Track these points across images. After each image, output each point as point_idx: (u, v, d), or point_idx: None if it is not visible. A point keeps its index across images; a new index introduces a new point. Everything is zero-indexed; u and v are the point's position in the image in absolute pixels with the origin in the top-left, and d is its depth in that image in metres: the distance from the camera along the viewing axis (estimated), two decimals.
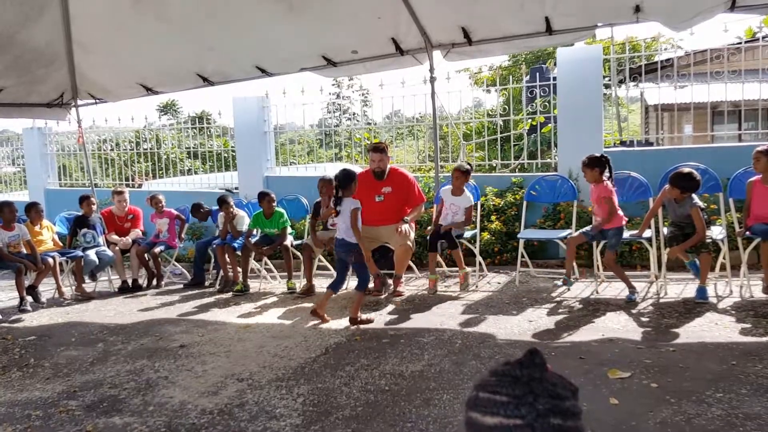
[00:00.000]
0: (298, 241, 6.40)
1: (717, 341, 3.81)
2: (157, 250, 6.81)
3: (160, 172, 10.74)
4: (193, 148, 10.52)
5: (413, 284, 5.98)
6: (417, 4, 5.80)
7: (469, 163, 6.32)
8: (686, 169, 4.76)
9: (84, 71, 7.06)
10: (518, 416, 0.89)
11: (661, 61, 10.31)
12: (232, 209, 6.46)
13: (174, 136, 11.78)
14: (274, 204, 6.36)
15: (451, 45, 6.25)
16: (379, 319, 4.87)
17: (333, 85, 28.52)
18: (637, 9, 5.41)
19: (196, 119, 12.83)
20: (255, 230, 6.49)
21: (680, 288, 5.06)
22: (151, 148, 11.02)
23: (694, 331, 4.03)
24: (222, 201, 6.45)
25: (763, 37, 7.72)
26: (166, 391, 3.58)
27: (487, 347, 3.98)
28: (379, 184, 5.66)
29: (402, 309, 5.12)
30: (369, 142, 10.07)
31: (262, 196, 6.32)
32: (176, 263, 7.31)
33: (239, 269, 6.36)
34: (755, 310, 4.36)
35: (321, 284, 6.24)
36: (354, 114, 22.98)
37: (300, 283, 6.10)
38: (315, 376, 3.69)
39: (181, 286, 6.81)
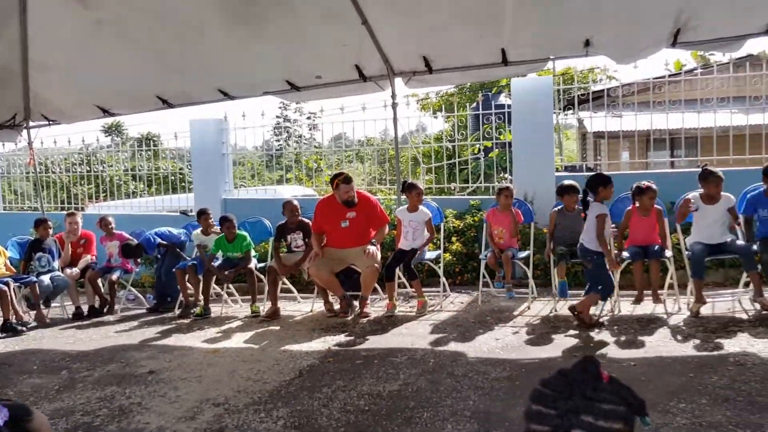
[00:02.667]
0: (262, 264, 6.39)
1: (673, 355, 4.08)
2: (114, 276, 6.64)
3: (104, 194, 10.44)
4: (139, 170, 10.30)
5: (379, 305, 6.07)
6: (380, 33, 5.98)
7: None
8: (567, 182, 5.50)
9: (39, 91, 6.85)
10: (553, 409, 1.01)
11: (600, 91, 10.93)
12: (234, 229, 6.37)
13: (119, 158, 11.49)
14: (235, 228, 6.33)
15: (413, 73, 6.45)
16: (350, 340, 4.93)
17: (279, 107, 28.52)
18: (587, 43, 5.77)
19: (143, 141, 12.57)
20: (217, 254, 6.43)
21: (632, 305, 5.35)
22: (94, 171, 10.68)
23: (651, 346, 4.29)
24: (225, 219, 6.36)
25: (689, 71, 8.35)
26: (141, 417, 3.53)
27: (459, 365, 4.11)
28: (344, 210, 5.75)
29: (371, 330, 5.20)
30: (315, 165, 10.20)
31: (224, 221, 6.29)
32: (132, 288, 7.13)
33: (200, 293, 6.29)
34: (704, 325, 4.67)
35: (285, 307, 6.25)
36: (300, 137, 22.96)
37: (264, 307, 6.08)
38: (293, 399, 3.71)
39: (140, 311, 6.66)
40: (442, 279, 5.97)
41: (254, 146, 11.00)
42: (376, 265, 5.57)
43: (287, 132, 17.05)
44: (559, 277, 5.38)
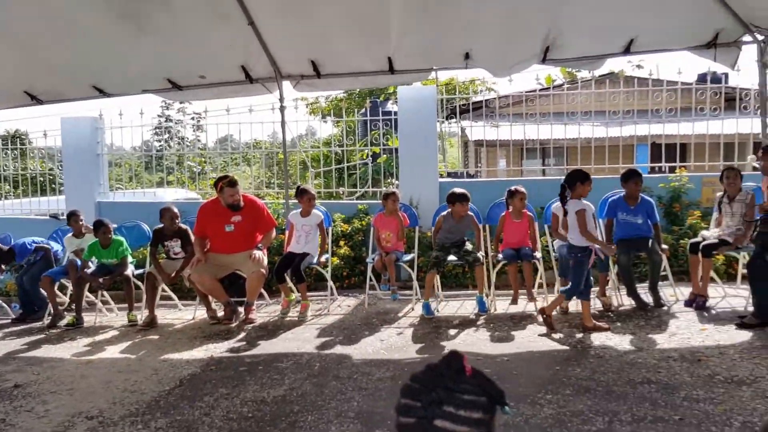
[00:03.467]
0: (140, 271, 6.10)
1: (542, 350, 4.38)
2: None
3: None
4: (5, 170, 9.46)
5: (265, 311, 5.99)
6: (268, 35, 5.95)
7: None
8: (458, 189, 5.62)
9: None
10: (418, 401, 1.09)
11: (480, 101, 11.50)
12: (110, 234, 5.98)
13: None
14: (111, 234, 6.00)
15: (301, 76, 6.47)
16: (234, 347, 4.83)
17: (161, 107, 27.25)
18: (467, 56, 6.10)
19: (8, 139, 11.55)
20: (91, 260, 6.06)
21: (506, 304, 5.67)
22: None
23: (523, 342, 4.58)
24: (100, 224, 5.96)
25: (557, 86, 9.03)
26: None
27: (345, 368, 4.16)
28: (229, 213, 5.62)
29: (256, 336, 5.13)
30: (199, 167, 9.91)
31: (99, 225, 5.94)
32: None
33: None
34: (569, 321, 5.06)
35: (164, 315, 6.01)
36: (183, 138, 22.13)
37: (142, 315, 5.81)
38: (172, 409, 3.59)
39: (4, 321, 6.14)
40: (330, 283, 6.01)
41: (132, 147, 10.47)
42: (262, 270, 5.50)
43: (169, 132, 16.37)
44: (425, 294, 5.47)
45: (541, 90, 8.68)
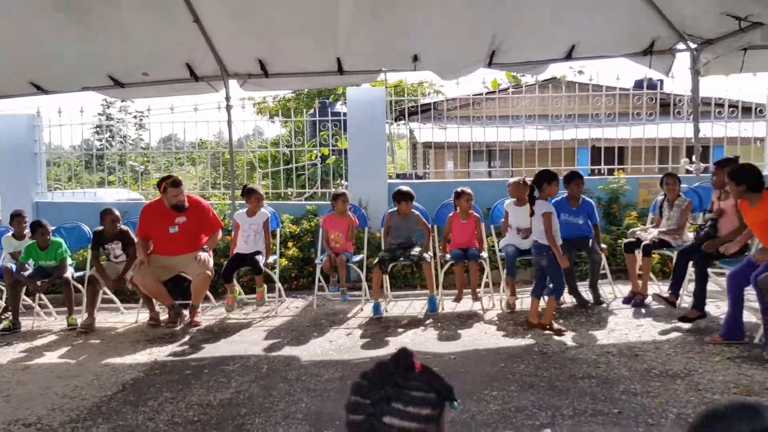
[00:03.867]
0: (80, 273, 5.89)
1: (488, 347, 4.48)
2: None
3: None
4: None
5: (210, 313, 5.89)
6: (214, 33, 5.85)
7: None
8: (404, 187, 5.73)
9: None
10: (367, 398, 1.12)
11: (428, 104, 11.64)
12: (48, 236, 5.74)
13: None
14: (49, 235, 5.78)
15: (248, 75, 6.40)
16: (178, 350, 4.74)
17: (102, 105, 26.34)
18: (416, 58, 6.16)
19: None
20: (28, 263, 5.81)
21: (454, 303, 5.76)
22: None
23: (470, 340, 4.67)
24: (38, 225, 5.72)
25: (503, 90, 9.24)
26: None
27: (293, 369, 4.14)
28: (173, 214, 5.49)
29: (202, 339, 5.04)
30: (142, 167, 9.66)
31: (36, 226, 5.71)
32: None
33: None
34: (514, 319, 5.19)
35: (107, 319, 5.84)
36: (125, 137, 21.54)
37: (82, 318, 5.61)
38: (114, 414, 3.50)
39: None
40: (278, 284, 5.96)
41: (72, 145, 10.10)
42: (207, 272, 5.40)
43: (110, 131, 15.83)
44: (374, 294, 5.52)
45: (487, 93, 8.87)
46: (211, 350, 4.72)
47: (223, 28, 5.83)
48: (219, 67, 6.25)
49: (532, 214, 4.83)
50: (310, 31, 5.82)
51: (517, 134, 7.92)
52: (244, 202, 5.94)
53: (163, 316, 5.58)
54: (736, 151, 7.59)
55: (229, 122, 6.61)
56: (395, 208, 5.76)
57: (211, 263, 5.52)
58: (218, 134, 8.87)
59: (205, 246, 5.55)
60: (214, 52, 6.07)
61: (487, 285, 5.81)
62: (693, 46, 5.97)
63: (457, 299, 5.65)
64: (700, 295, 4.79)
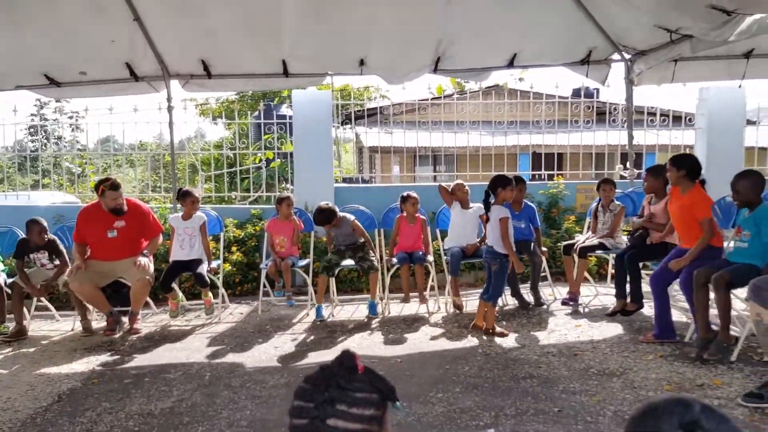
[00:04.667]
0: (12, 279, 5.61)
1: (433, 350, 4.53)
2: None
3: None
4: None
5: (151, 320, 5.72)
6: (155, 32, 5.71)
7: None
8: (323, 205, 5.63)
9: None
10: (311, 401, 1.12)
11: (374, 108, 11.70)
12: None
13: None
14: None
15: (190, 76, 6.27)
16: (118, 358, 4.58)
17: (35, 105, 25.17)
18: (362, 63, 6.19)
19: None
20: None
21: (400, 306, 5.80)
22: None
23: (415, 343, 4.71)
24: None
25: (448, 96, 9.38)
26: None
27: (237, 376, 4.08)
28: (112, 218, 5.32)
29: (142, 346, 4.89)
30: (79, 169, 9.31)
31: None
32: None
33: None
34: (458, 321, 5.27)
35: (41, 327, 5.59)
36: (60, 138, 20.72)
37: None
38: (50, 426, 3.37)
39: None
40: (221, 290, 5.85)
41: (4, 146, 9.61)
42: (147, 277, 5.25)
43: (45, 132, 15.17)
44: (318, 298, 5.51)
45: (432, 99, 8.96)
46: (151, 358, 4.59)
47: (164, 27, 5.69)
48: (160, 67, 6.10)
49: (487, 220, 4.85)
50: (255, 32, 5.75)
51: (462, 139, 8.06)
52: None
53: (102, 324, 5.39)
54: (667, 158, 7.97)
55: (171, 123, 6.45)
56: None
57: (152, 268, 5.36)
58: (159, 136, 8.62)
59: (145, 251, 5.39)
60: (155, 52, 5.93)
61: (432, 288, 5.88)
62: (627, 56, 6.24)
63: (405, 301, 5.69)
64: (636, 290, 5.06)
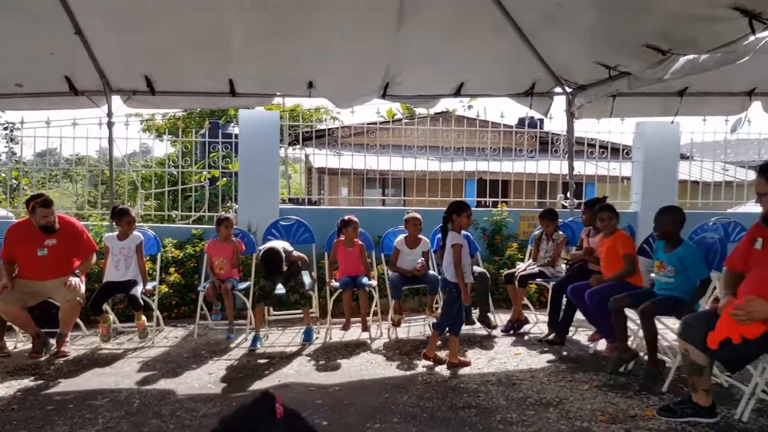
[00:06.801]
0: None
1: (373, 378, 4.48)
2: None
3: None
4: None
5: (80, 343, 5.47)
6: (97, 45, 5.56)
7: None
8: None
9: None
10: None
11: (323, 129, 11.68)
12: None
13: None
14: None
15: (133, 92, 6.12)
16: (41, 383, 4.34)
17: None
18: (311, 85, 6.17)
19: None
20: None
21: (342, 332, 5.73)
22: None
23: (356, 370, 4.65)
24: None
25: (397, 120, 9.46)
26: None
27: (167, 404, 3.92)
28: (42, 236, 5.09)
29: (69, 371, 4.65)
30: (15, 182, 8.89)
31: None
32: None
33: None
34: (400, 348, 5.24)
35: None
36: None
37: None
38: None
39: None
40: (156, 312, 5.65)
41: None
42: (78, 298, 5.03)
43: None
44: (255, 327, 5.37)
45: (382, 123, 9.02)
46: (78, 383, 4.37)
47: (107, 41, 5.53)
48: (102, 81, 5.93)
49: (443, 246, 4.78)
50: (202, 50, 5.66)
51: (410, 164, 8.11)
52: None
53: (27, 345, 5.11)
54: (606, 188, 8.23)
55: (110, 140, 6.26)
56: None
57: (83, 289, 5.14)
58: (100, 150, 8.31)
59: (77, 270, 5.18)
60: (97, 66, 5.76)
61: (375, 313, 5.84)
62: (569, 90, 6.43)
63: (345, 328, 5.63)
64: (565, 323, 5.25)
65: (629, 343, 4.60)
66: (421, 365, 4.72)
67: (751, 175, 7.00)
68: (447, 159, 8.21)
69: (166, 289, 6.22)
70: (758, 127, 37.47)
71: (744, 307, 3.07)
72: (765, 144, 8.83)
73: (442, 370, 4.62)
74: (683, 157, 8.49)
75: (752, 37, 3.79)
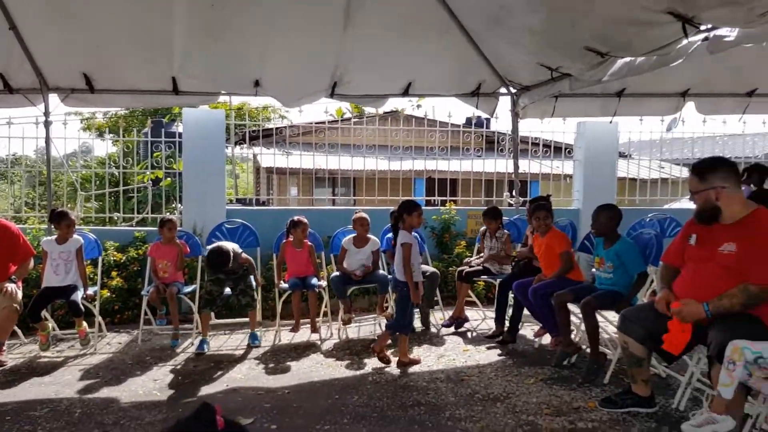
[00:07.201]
0: None
1: (323, 379, 4.46)
2: None
3: None
4: None
5: (18, 351, 5.24)
6: (32, 42, 5.35)
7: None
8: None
9: None
10: None
11: (271, 129, 11.56)
12: None
13: None
14: None
15: (71, 90, 5.91)
16: None
17: None
18: (257, 84, 6.09)
19: None
20: None
21: (291, 333, 5.68)
22: None
23: (305, 372, 4.62)
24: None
25: (345, 119, 9.45)
26: None
27: (110, 413, 3.81)
28: None
29: (6, 381, 4.45)
30: None
31: None
32: None
33: None
34: (351, 348, 5.24)
35: None
36: None
37: None
38: None
39: None
40: (98, 318, 5.47)
41: None
42: (15, 305, 4.82)
43: None
44: (202, 331, 5.28)
45: (330, 122, 8.99)
46: (16, 393, 4.20)
47: (44, 38, 5.33)
48: (38, 79, 5.70)
49: (394, 245, 4.81)
50: (143, 47, 5.52)
51: (359, 163, 8.11)
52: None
53: None
54: (549, 186, 8.45)
55: (47, 140, 6.02)
56: None
57: (20, 295, 4.94)
58: (37, 150, 7.97)
59: (13, 276, 4.97)
60: (33, 64, 5.54)
61: (325, 314, 5.82)
62: (513, 91, 6.58)
63: (294, 329, 5.59)
64: (513, 321, 5.37)
65: (572, 337, 4.75)
66: (371, 365, 4.73)
67: (686, 173, 7.32)
68: (396, 158, 8.25)
69: (108, 294, 6.02)
70: (692, 126, 39.14)
71: (677, 312, 3.22)
72: (699, 142, 9.24)
73: (392, 369, 4.65)
74: (622, 155, 8.80)
75: (685, 41, 3.97)
